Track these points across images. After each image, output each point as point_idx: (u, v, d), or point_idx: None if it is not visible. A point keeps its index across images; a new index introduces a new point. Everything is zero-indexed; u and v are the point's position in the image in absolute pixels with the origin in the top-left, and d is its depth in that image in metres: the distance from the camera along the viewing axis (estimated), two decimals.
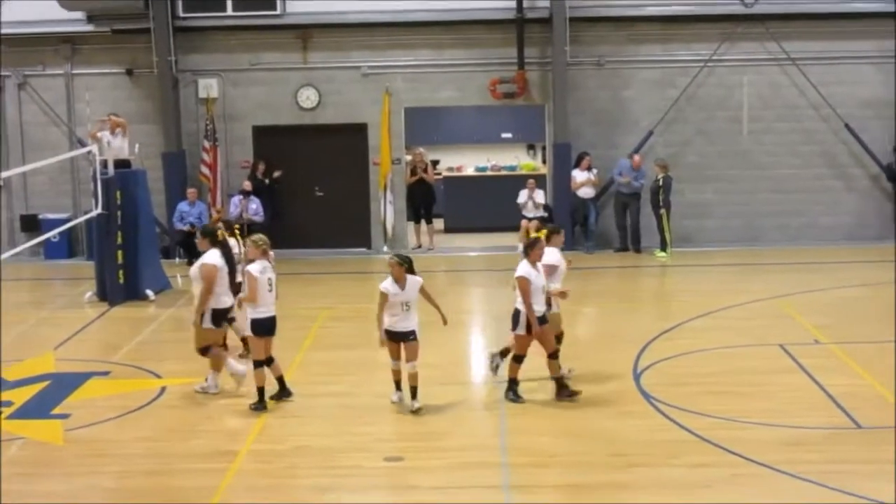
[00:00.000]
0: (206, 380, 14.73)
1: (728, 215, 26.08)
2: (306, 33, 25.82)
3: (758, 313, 19.06)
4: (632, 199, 25.26)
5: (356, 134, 26.10)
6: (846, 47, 25.63)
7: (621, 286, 22.57)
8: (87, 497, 11.50)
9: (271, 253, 14.26)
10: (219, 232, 15.05)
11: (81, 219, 23.46)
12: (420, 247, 26.09)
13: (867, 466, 11.73)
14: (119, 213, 20.84)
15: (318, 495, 11.36)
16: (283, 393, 14.31)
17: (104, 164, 20.99)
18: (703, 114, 25.95)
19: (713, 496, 11.02)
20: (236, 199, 25.02)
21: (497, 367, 14.92)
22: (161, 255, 23.49)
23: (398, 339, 13.61)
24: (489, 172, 29.92)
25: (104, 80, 26.07)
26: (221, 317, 14.66)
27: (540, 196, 25.74)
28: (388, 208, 25.99)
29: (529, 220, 25.40)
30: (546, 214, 25.62)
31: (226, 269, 14.61)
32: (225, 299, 14.61)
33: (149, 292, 21.12)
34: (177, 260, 24.77)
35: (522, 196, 25.71)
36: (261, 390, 13.99)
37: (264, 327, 13.99)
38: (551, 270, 14.37)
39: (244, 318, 14.55)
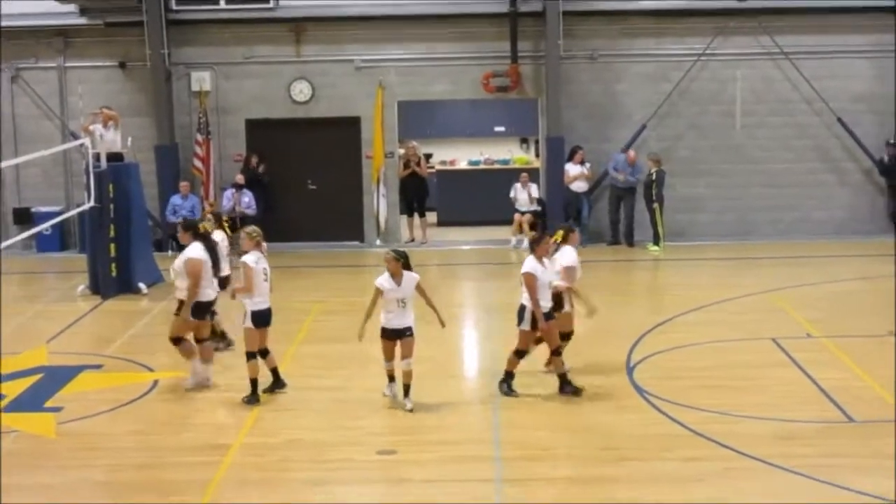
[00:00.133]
0: (196, 374, 14.77)
1: (721, 209, 26.10)
2: (299, 26, 25.79)
3: (750, 307, 19.09)
4: (627, 193, 25.27)
5: (349, 127, 26.07)
6: (839, 41, 25.65)
7: (614, 280, 22.57)
8: (79, 490, 11.50)
9: (264, 245, 14.26)
10: (200, 225, 15.11)
11: (74, 212, 23.40)
12: (413, 240, 26.09)
13: (859, 460, 11.76)
14: (111, 206, 20.81)
15: (311, 488, 11.37)
16: (278, 384, 14.33)
17: (97, 157, 20.96)
18: (696, 108, 25.96)
19: (706, 490, 11.03)
20: (229, 192, 24.99)
21: (507, 390, 14.34)
22: (154, 249, 23.45)
23: (394, 337, 13.49)
24: (482, 166, 29.91)
25: (97, 73, 26.01)
26: (204, 310, 14.68)
27: (533, 190, 25.74)
28: (381, 202, 25.97)
29: (522, 213, 25.45)
30: (539, 208, 25.66)
31: (209, 263, 14.65)
32: (208, 292, 14.64)
33: (141, 285, 21.10)
34: (169, 253, 24.63)
35: (515, 189, 25.71)
36: (254, 382, 13.99)
37: (263, 318, 14.01)
38: (571, 272, 14.36)
39: (238, 310, 14.54)
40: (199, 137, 25.59)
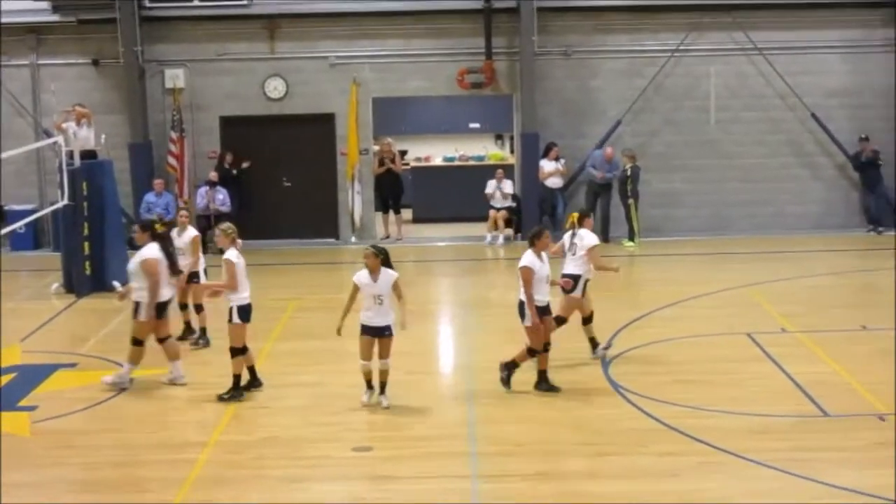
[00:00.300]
0: (171, 372, 14.74)
1: (696, 205, 26.15)
2: (273, 23, 25.73)
3: (726, 302, 19.15)
4: (604, 190, 25.27)
5: (324, 124, 26.03)
6: (813, 37, 25.74)
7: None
8: (54, 488, 11.46)
9: (239, 241, 14.22)
10: (156, 225, 15.17)
11: (47, 210, 23.30)
12: (388, 237, 26.04)
13: (834, 454, 11.82)
14: (85, 204, 20.74)
15: (287, 485, 11.35)
16: (254, 382, 14.31)
17: (70, 154, 20.88)
18: (670, 104, 26.01)
19: (681, 484, 11.07)
20: (203, 189, 24.93)
21: (506, 378, 14.40)
22: (128, 247, 23.27)
23: (373, 334, 13.40)
24: (457, 162, 29.87)
25: (70, 70, 25.90)
26: (161, 309, 14.63)
27: (508, 186, 25.75)
28: (356, 198, 25.92)
29: (498, 210, 25.45)
30: (514, 204, 25.67)
31: (165, 263, 14.62)
32: (164, 292, 14.60)
33: (116, 284, 20.81)
34: None
35: (490, 186, 25.71)
36: (237, 378, 13.98)
37: (248, 313, 14.03)
38: (595, 252, 14.98)
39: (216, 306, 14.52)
40: (173, 135, 25.49)
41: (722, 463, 11.59)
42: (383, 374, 13.53)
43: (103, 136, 22.10)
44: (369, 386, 13.70)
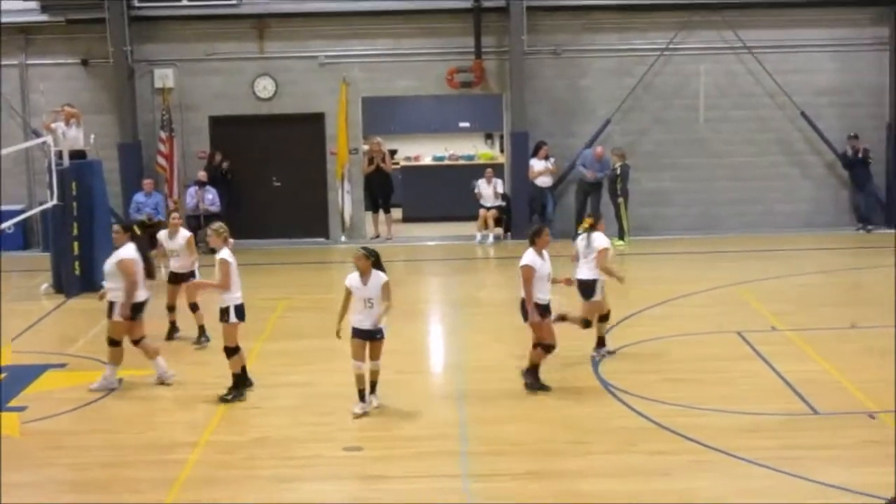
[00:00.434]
0: (156, 371, 14.75)
1: (686, 203, 26.16)
2: (263, 23, 25.70)
3: (716, 300, 19.15)
4: (594, 188, 25.22)
5: (313, 124, 26.00)
6: (802, 36, 25.77)
7: None
8: (44, 488, 11.45)
9: (231, 241, 14.21)
10: (135, 227, 15.24)
11: (37, 210, 23.23)
12: (378, 236, 26.03)
13: (824, 452, 11.84)
14: (74, 204, 20.70)
15: (278, 486, 11.35)
16: (246, 382, 14.27)
17: (59, 154, 20.83)
18: (659, 102, 26.02)
19: (672, 483, 11.08)
20: (192, 189, 24.90)
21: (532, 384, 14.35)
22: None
23: (365, 338, 13.27)
24: (447, 162, 29.86)
25: (59, 70, 25.83)
26: (137, 310, 14.59)
27: (498, 185, 25.75)
28: (345, 198, 25.91)
29: (487, 209, 25.45)
30: (504, 204, 25.67)
31: (141, 264, 14.61)
32: (140, 293, 14.57)
33: (105, 284, 20.91)
34: None
35: (480, 185, 25.71)
36: (236, 377, 14.02)
37: (244, 312, 14.03)
38: (605, 254, 15.11)
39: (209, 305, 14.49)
40: (163, 135, 25.44)
41: (713, 461, 11.60)
42: (374, 374, 13.49)
43: (92, 136, 22.05)
44: (362, 398, 13.41)
